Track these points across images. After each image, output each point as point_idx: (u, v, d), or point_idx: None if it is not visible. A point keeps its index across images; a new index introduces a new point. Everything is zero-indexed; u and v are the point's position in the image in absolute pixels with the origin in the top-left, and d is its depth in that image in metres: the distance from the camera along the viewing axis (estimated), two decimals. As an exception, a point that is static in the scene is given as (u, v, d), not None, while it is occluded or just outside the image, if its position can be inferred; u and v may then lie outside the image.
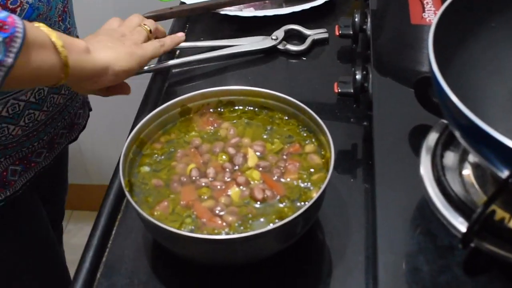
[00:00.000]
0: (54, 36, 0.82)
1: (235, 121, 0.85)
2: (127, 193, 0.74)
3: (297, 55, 1.08)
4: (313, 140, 0.82)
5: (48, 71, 0.82)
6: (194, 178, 0.78)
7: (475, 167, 0.75)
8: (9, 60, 0.76)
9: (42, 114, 1.01)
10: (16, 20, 0.76)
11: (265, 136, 0.83)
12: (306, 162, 0.79)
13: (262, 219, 0.74)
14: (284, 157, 0.80)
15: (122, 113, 1.36)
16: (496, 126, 0.61)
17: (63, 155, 1.23)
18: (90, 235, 0.82)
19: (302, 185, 0.77)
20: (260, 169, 0.79)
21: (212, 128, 0.85)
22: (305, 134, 0.83)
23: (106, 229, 0.82)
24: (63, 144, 1.12)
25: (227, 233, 0.73)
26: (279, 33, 1.09)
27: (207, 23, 1.18)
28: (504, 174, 0.63)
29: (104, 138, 1.82)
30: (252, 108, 0.86)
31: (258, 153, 0.81)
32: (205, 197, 0.76)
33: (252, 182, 0.77)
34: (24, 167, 1.02)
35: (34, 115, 0.99)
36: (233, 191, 0.76)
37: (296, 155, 0.80)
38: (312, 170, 0.78)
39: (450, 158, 0.76)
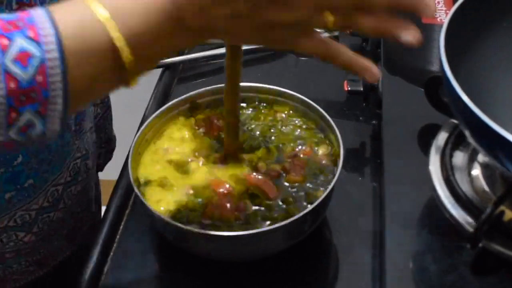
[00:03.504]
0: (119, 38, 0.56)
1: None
2: (135, 189, 0.74)
3: (307, 52, 1.07)
4: (327, 142, 0.81)
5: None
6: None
7: (485, 167, 0.75)
8: (55, 127, 0.56)
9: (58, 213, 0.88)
10: (47, 74, 0.53)
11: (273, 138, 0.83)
12: (315, 164, 0.79)
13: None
14: (292, 159, 0.79)
15: (130, 109, 1.37)
16: (507, 126, 0.61)
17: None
18: (98, 230, 0.82)
19: (309, 185, 0.77)
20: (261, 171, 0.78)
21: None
22: (318, 135, 0.82)
23: (114, 224, 0.82)
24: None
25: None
26: (289, 31, 1.09)
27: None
28: (514, 174, 0.63)
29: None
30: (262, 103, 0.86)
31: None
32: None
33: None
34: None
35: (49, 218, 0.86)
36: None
37: (305, 158, 0.80)
38: (320, 174, 0.78)
39: (459, 158, 0.76)
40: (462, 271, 0.68)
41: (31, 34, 0.53)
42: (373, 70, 0.63)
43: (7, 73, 0.53)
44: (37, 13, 0.55)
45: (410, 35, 0.60)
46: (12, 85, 0.53)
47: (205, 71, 1.06)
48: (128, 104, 1.48)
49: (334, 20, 0.60)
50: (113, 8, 0.57)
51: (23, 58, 0.53)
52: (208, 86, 0.86)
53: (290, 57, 1.07)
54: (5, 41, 0.53)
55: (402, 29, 0.61)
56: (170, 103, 0.84)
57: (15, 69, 0.53)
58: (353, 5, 0.60)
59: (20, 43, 0.53)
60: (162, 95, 1.01)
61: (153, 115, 0.82)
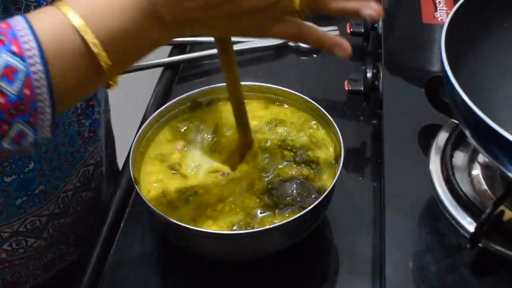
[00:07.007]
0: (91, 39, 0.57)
1: None
2: (136, 188, 0.74)
3: (308, 52, 1.07)
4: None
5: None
6: None
7: (485, 167, 0.75)
8: (46, 135, 0.58)
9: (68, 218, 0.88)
10: (33, 86, 0.55)
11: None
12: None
13: None
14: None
15: (131, 108, 1.37)
16: (507, 126, 0.61)
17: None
18: (98, 229, 0.82)
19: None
20: None
21: None
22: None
23: (114, 223, 0.82)
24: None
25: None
26: (290, 30, 1.09)
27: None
28: (514, 175, 0.63)
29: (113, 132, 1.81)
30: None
31: None
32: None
33: None
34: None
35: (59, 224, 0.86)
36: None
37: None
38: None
39: (459, 158, 0.76)
40: (462, 271, 0.68)
41: (15, 48, 0.54)
42: (344, 45, 0.64)
43: None
44: (19, 25, 0.56)
45: (372, 10, 0.63)
46: (1, 100, 0.54)
47: (206, 70, 1.06)
48: (129, 103, 1.48)
49: (300, 3, 0.62)
50: (88, 11, 0.58)
51: (9, 73, 0.54)
52: (209, 85, 0.86)
53: (292, 57, 1.07)
54: None
55: (365, 6, 0.63)
56: (170, 102, 0.84)
57: (3, 84, 0.54)
58: None
59: (5, 58, 0.54)
60: (162, 94, 1.01)
61: (154, 114, 0.82)
